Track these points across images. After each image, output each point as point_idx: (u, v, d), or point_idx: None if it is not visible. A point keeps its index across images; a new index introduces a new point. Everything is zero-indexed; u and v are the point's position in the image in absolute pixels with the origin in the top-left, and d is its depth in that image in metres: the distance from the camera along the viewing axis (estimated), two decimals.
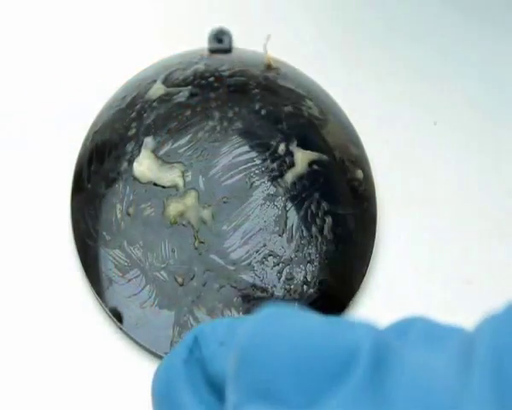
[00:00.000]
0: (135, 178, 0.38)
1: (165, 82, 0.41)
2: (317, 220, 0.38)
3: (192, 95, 0.40)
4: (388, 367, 0.21)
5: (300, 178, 0.39)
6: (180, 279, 0.36)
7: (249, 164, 0.39)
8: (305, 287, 0.37)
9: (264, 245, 0.37)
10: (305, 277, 0.37)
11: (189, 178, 0.38)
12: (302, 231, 0.38)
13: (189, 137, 0.39)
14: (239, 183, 0.38)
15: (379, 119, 0.43)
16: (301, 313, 0.23)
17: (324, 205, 0.38)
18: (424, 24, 0.45)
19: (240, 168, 0.39)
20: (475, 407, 0.19)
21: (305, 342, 0.22)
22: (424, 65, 0.44)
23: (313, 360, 0.22)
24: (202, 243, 0.37)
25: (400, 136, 0.42)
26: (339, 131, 0.41)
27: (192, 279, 0.36)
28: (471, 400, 0.20)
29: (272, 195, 0.38)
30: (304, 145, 0.40)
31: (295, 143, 0.40)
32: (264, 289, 0.36)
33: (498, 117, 0.43)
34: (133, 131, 0.39)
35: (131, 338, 0.35)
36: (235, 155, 0.39)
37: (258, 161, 0.39)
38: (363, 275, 0.38)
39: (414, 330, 0.23)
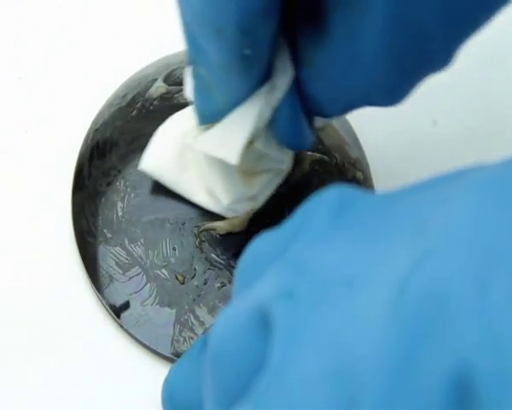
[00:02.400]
0: None
1: (167, 80, 0.41)
2: None
3: None
4: (353, 204, 0.21)
5: (301, 178, 0.39)
6: (181, 278, 0.36)
7: None
8: None
9: None
10: None
11: None
12: None
13: None
14: None
15: (379, 120, 0.43)
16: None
17: None
18: None
19: None
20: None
21: (277, 230, 0.22)
22: None
23: (282, 231, 0.22)
24: (203, 241, 0.37)
25: (400, 137, 0.42)
26: (338, 133, 0.41)
27: (193, 278, 0.36)
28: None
29: (273, 194, 0.38)
30: None
31: None
32: None
33: (499, 117, 0.43)
34: None
35: (132, 336, 0.35)
36: None
37: None
38: None
39: None
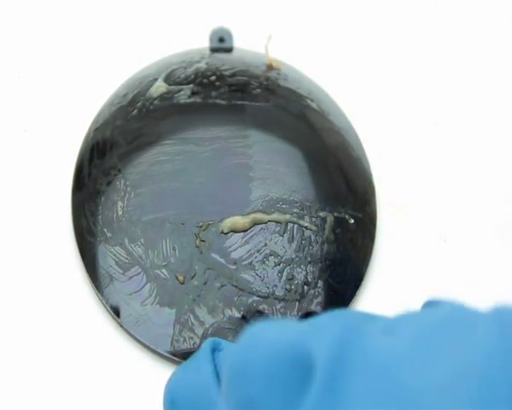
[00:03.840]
0: None
1: (167, 80, 0.41)
2: (318, 221, 0.38)
3: (193, 93, 0.40)
4: (347, 365, 0.21)
5: None
6: (181, 278, 0.36)
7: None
8: (305, 287, 0.37)
9: (265, 245, 0.37)
10: (305, 277, 0.37)
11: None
12: (303, 231, 0.38)
13: (190, 135, 0.39)
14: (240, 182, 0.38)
15: (379, 120, 0.43)
16: (276, 327, 0.24)
17: (325, 206, 0.38)
18: (424, 25, 0.46)
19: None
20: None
21: (273, 360, 0.23)
22: (424, 66, 0.44)
23: (279, 374, 0.22)
24: (203, 241, 0.37)
25: (400, 137, 0.42)
26: (339, 132, 0.41)
27: (193, 278, 0.36)
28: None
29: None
30: None
31: None
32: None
33: (499, 118, 0.43)
34: None
35: (132, 336, 0.35)
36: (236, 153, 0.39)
37: None
38: (363, 276, 0.38)
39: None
